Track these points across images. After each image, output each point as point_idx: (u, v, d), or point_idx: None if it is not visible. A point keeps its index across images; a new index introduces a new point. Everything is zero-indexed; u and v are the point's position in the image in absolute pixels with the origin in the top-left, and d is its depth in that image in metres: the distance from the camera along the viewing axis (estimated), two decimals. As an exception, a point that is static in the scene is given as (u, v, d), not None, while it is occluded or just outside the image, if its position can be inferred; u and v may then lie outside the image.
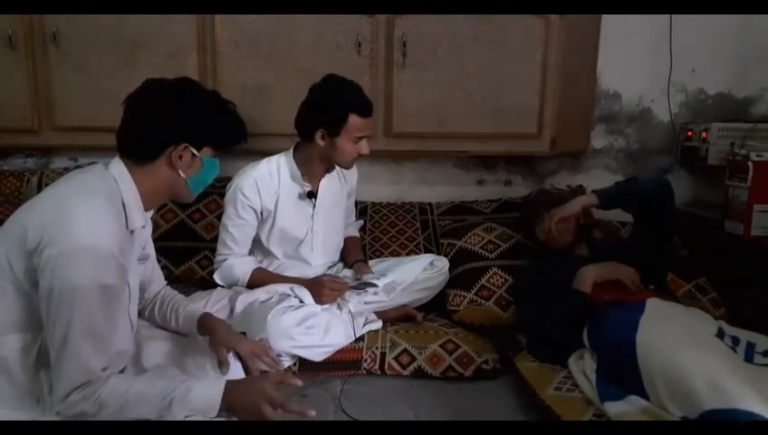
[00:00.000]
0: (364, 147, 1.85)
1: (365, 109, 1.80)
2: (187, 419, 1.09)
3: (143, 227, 1.23)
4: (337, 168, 1.97)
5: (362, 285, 1.88)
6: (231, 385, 1.12)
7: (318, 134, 1.80)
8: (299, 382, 1.19)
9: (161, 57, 2.21)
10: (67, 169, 2.37)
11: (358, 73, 2.00)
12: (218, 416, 1.11)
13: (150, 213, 1.28)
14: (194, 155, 1.19)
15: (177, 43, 2.20)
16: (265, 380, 1.15)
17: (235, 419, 1.14)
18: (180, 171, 1.19)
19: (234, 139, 1.26)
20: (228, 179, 1.92)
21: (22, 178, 2.32)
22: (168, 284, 1.51)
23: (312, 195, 1.92)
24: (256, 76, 2.23)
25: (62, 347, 1.02)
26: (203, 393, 1.10)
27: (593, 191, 1.87)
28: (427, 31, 2.20)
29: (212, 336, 1.36)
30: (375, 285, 1.86)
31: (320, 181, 1.95)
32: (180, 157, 1.18)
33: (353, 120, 1.78)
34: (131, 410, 1.06)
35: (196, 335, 1.42)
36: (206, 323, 1.39)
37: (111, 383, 1.06)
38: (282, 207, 1.89)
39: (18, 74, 2.20)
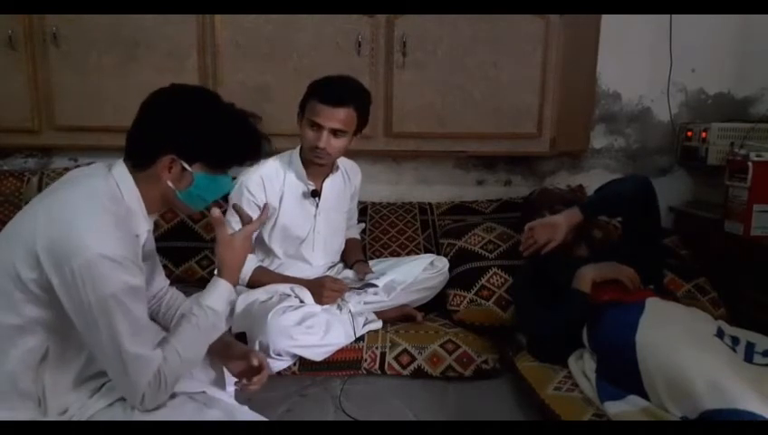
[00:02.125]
0: (320, 138, 1.74)
1: (325, 94, 1.72)
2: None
3: (147, 230, 1.23)
4: (342, 168, 1.97)
5: (363, 286, 1.88)
6: (224, 273, 1.23)
7: (297, 120, 1.81)
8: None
9: (161, 57, 2.21)
10: (67, 169, 2.36)
11: (358, 73, 1.99)
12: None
13: (155, 216, 1.27)
14: (184, 169, 1.16)
15: (177, 43, 2.20)
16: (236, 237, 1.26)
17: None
18: (169, 183, 1.16)
19: (234, 159, 1.22)
20: (233, 179, 1.91)
21: (22, 178, 2.32)
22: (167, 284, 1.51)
23: (315, 194, 1.91)
24: (256, 76, 2.23)
25: (117, 357, 1.03)
26: (222, 300, 1.20)
27: (578, 206, 1.84)
28: (427, 31, 2.20)
29: (230, 348, 1.36)
30: (375, 286, 1.86)
31: (324, 181, 1.94)
32: (169, 169, 1.15)
33: (312, 103, 1.74)
34: (193, 359, 1.17)
35: None
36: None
37: (164, 358, 1.08)
38: (285, 204, 1.88)
39: (18, 74, 2.21)
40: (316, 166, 1.86)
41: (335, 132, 1.75)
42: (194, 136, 1.15)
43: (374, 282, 1.86)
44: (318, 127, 1.74)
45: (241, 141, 1.20)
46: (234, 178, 1.89)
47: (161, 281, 1.44)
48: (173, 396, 1.17)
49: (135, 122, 1.17)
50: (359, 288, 1.88)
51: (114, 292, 1.02)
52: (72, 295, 1.01)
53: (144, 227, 1.19)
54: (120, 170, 1.16)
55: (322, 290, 1.80)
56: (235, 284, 1.24)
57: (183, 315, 1.19)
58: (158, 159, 1.14)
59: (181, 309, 1.39)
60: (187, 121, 1.15)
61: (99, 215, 1.06)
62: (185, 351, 1.12)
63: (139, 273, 1.09)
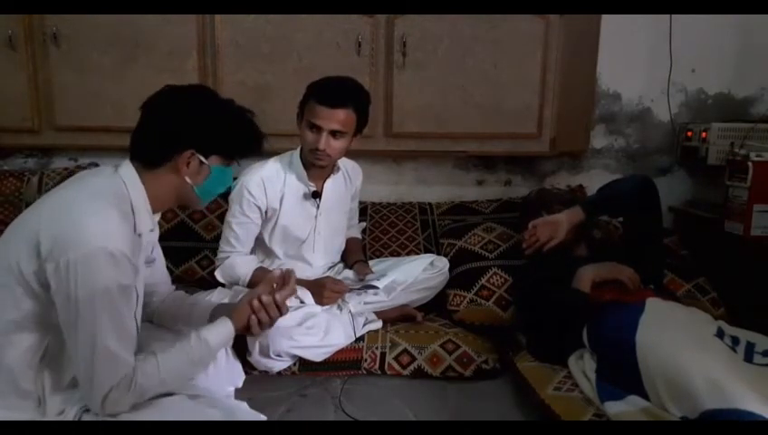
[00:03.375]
0: (320, 140, 1.72)
1: (323, 96, 1.71)
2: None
3: (151, 230, 1.24)
4: (343, 168, 1.96)
5: (363, 287, 1.88)
6: (237, 313, 1.26)
7: (297, 121, 1.80)
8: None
9: (161, 57, 2.21)
10: (67, 169, 2.37)
11: (358, 73, 2.00)
12: None
13: (158, 216, 1.28)
14: (201, 163, 1.19)
15: (177, 43, 2.20)
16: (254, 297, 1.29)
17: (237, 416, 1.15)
18: (187, 178, 1.19)
19: (244, 149, 1.26)
20: (234, 179, 1.91)
21: (22, 178, 2.31)
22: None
23: (316, 195, 1.91)
24: (256, 76, 2.23)
25: (90, 351, 1.03)
26: (220, 338, 1.22)
27: (579, 204, 1.86)
28: (427, 31, 2.20)
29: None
30: (376, 287, 1.86)
31: (325, 182, 1.94)
32: (187, 164, 1.18)
33: (311, 105, 1.73)
34: (170, 383, 1.14)
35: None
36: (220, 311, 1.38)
37: (142, 367, 1.09)
38: (286, 205, 1.88)
39: (18, 74, 2.20)
40: (317, 167, 1.86)
41: (334, 134, 1.74)
42: (209, 130, 1.19)
43: (375, 284, 1.86)
44: (317, 129, 1.73)
45: (250, 132, 1.25)
46: (235, 179, 1.90)
47: (166, 287, 1.45)
48: (171, 395, 1.17)
49: (143, 123, 1.19)
50: (359, 289, 1.88)
51: (105, 287, 1.02)
52: (62, 285, 1.02)
53: (148, 224, 1.20)
54: (127, 169, 1.18)
55: (323, 291, 1.80)
56: (238, 330, 1.27)
57: (181, 339, 1.20)
58: (175, 156, 1.17)
59: (185, 315, 1.39)
60: (201, 116, 1.18)
61: (103, 210, 1.07)
62: (165, 367, 1.12)
63: (133, 273, 1.10)
